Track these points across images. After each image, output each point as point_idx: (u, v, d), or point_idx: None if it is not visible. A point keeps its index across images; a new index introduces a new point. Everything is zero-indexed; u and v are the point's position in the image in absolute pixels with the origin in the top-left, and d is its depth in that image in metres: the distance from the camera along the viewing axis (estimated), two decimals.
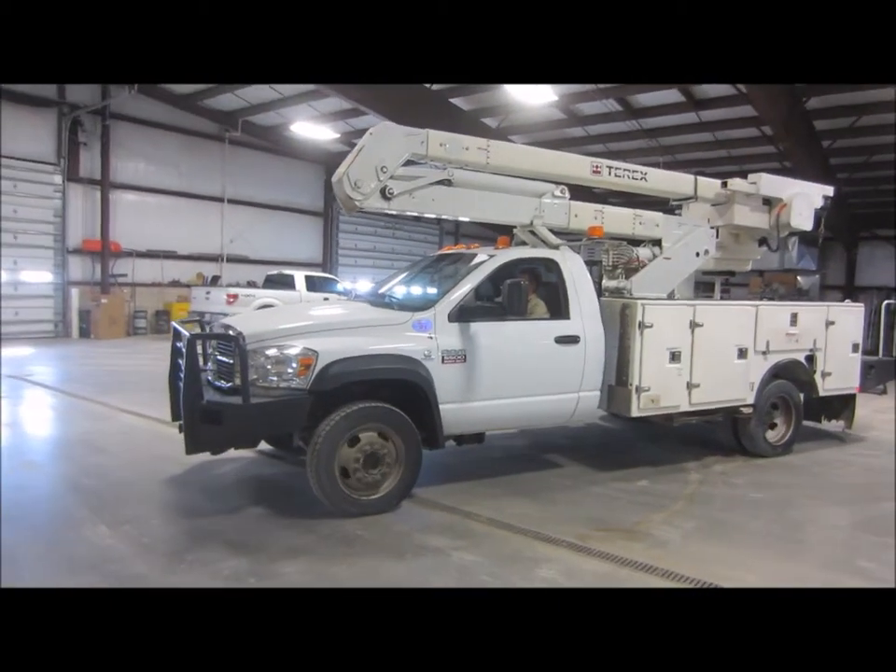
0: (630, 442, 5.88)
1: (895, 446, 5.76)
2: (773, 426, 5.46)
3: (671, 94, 11.85)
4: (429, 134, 4.15)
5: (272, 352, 3.58)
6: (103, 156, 14.05)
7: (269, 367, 3.56)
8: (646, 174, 5.14)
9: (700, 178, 5.50)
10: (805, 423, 5.72)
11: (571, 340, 4.35)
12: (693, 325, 4.77)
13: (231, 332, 3.75)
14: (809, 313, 5.51)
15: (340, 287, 14.18)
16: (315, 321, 4.12)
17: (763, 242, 6.07)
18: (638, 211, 5.21)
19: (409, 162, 4.15)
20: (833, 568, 3.27)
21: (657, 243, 5.27)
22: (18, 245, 13.07)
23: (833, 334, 5.60)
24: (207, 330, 4.54)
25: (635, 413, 4.53)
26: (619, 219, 5.09)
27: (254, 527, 3.50)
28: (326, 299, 12.39)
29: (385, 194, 4.04)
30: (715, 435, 5.60)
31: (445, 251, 5.69)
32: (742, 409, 5.14)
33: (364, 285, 16.87)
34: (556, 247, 4.66)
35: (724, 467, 5.05)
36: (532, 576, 3.01)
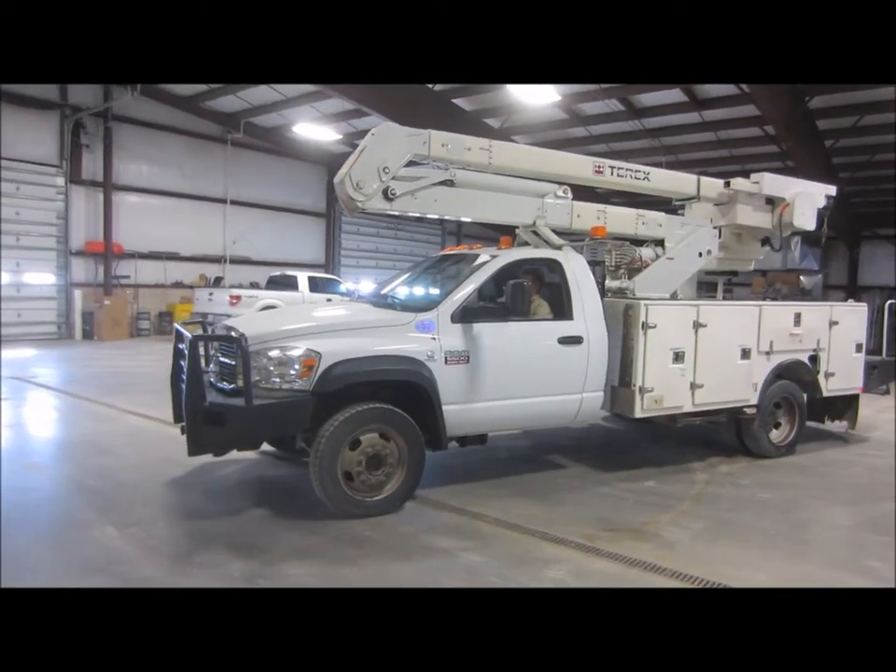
0: (633, 443, 5.87)
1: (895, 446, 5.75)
2: (776, 426, 5.44)
3: (674, 94, 11.84)
4: (431, 135, 4.14)
5: (274, 353, 3.58)
6: (105, 158, 14.08)
7: (271, 368, 3.56)
8: (648, 173, 5.12)
9: (703, 178, 5.49)
10: (809, 423, 5.70)
11: (574, 340, 4.34)
12: (697, 325, 4.75)
13: (233, 334, 3.75)
14: (812, 313, 5.49)
15: (342, 287, 14.19)
16: (317, 322, 4.11)
17: (765, 241, 6.06)
18: (641, 211, 5.20)
19: (411, 163, 4.14)
20: (839, 568, 3.26)
21: (660, 243, 5.26)
22: (20, 247, 13.10)
23: (836, 334, 5.58)
24: (210, 332, 4.53)
25: (638, 413, 4.52)
26: (622, 219, 5.08)
27: (260, 529, 3.50)
28: (329, 300, 12.40)
29: (387, 195, 4.03)
30: (718, 435, 5.59)
31: (448, 252, 5.69)
32: (745, 409, 5.12)
33: (366, 285, 16.87)
34: (559, 248, 4.65)
35: (730, 467, 5.04)
36: (541, 576, 3.01)
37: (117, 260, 14.47)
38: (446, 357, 3.90)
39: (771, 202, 5.74)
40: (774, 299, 10.49)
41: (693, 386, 4.75)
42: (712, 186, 5.51)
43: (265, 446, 4.38)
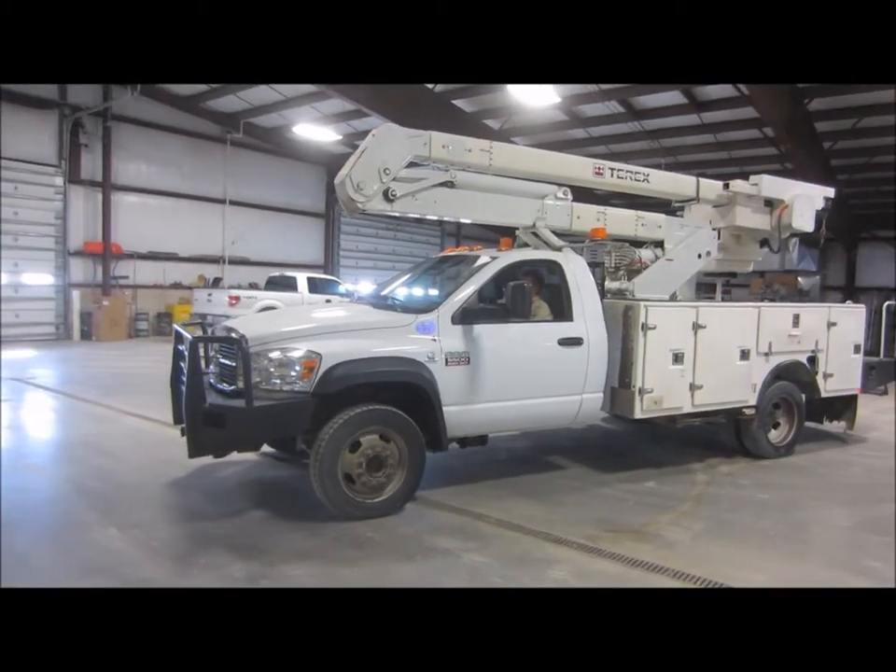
0: (633, 444, 5.88)
1: (895, 447, 5.76)
2: (775, 426, 5.46)
3: (673, 96, 11.87)
4: (432, 136, 4.15)
5: (275, 354, 3.58)
6: (104, 158, 14.07)
7: (272, 369, 3.56)
8: (648, 175, 5.14)
9: (702, 180, 5.50)
10: (807, 424, 5.72)
11: (574, 342, 4.35)
12: (696, 326, 4.76)
13: (233, 335, 3.75)
14: (811, 314, 5.51)
15: (341, 288, 14.18)
16: (318, 323, 4.12)
17: (764, 243, 6.07)
18: (641, 213, 5.21)
19: (411, 164, 4.15)
20: (838, 568, 3.28)
21: (659, 244, 5.27)
22: (19, 247, 13.08)
23: (834, 335, 5.60)
24: (209, 333, 4.53)
25: (638, 414, 4.53)
26: (621, 221, 5.09)
27: (260, 531, 3.50)
28: (328, 300, 12.40)
29: (387, 196, 4.04)
30: (717, 436, 5.60)
31: (448, 253, 5.69)
32: (745, 410, 5.14)
33: (365, 286, 16.88)
34: (559, 249, 4.66)
35: (730, 468, 5.05)
36: (544, 577, 3.02)
37: (115, 261, 14.45)
38: (447, 359, 3.90)
39: (770, 203, 5.76)
40: (772, 300, 10.53)
41: (693, 387, 4.76)
42: (711, 188, 5.53)
43: (265, 448, 4.38)
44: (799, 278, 16.19)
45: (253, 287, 14.96)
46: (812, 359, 5.50)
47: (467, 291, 4.12)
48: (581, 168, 4.86)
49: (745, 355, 5.06)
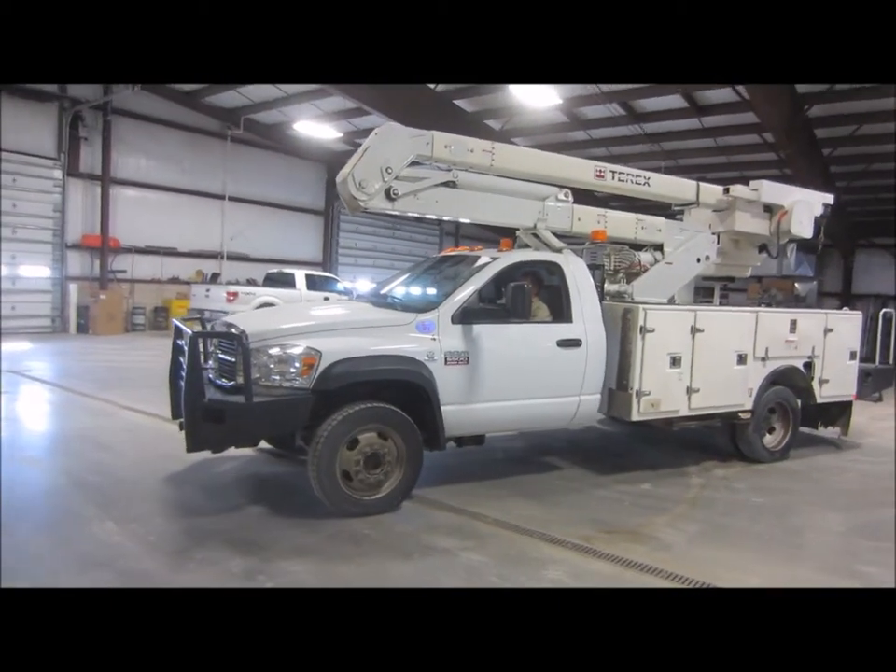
0: (629, 446, 5.91)
1: (895, 453, 5.78)
2: (770, 431, 5.49)
3: (674, 100, 11.89)
4: (434, 136, 4.16)
5: (275, 351, 3.58)
6: (104, 151, 14.01)
7: (272, 366, 3.57)
8: (649, 179, 5.16)
9: (702, 184, 5.53)
10: (802, 429, 5.75)
11: (573, 343, 4.37)
12: (694, 330, 4.79)
13: (233, 331, 3.76)
14: (808, 320, 5.55)
15: (340, 286, 14.18)
16: (318, 321, 4.13)
17: (762, 248, 6.10)
18: (641, 216, 5.23)
19: (413, 163, 4.16)
20: (832, 572, 3.30)
21: (659, 248, 5.29)
22: (17, 239, 13.03)
23: (831, 342, 5.63)
24: (209, 328, 4.53)
25: (635, 416, 4.55)
26: (621, 224, 5.11)
27: (258, 526, 3.51)
28: (326, 298, 12.40)
29: (389, 195, 4.05)
30: (713, 440, 5.63)
31: (448, 252, 5.71)
32: (741, 414, 5.17)
33: (363, 284, 16.88)
34: (559, 251, 4.68)
35: (725, 471, 5.08)
36: (540, 576, 3.04)
37: (113, 255, 14.40)
38: (446, 358, 3.91)
39: (769, 209, 5.78)
40: (769, 305, 10.57)
41: (690, 391, 4.79)
42: (711, 192, 5.55)
43: (262, 443, 4.39)
44: (796, 284, 16.29)
45: (251, 283, 14.94)
46: (808, 365, 5.53)
47: (467, 291, 4.13)
48: (582, 170, 4.88)
49: (742, 359, 5.09)
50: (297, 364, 3.55)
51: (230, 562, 3.03)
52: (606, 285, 5.04)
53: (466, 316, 4.03)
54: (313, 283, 13.58)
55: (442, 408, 3.87)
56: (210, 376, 3.99)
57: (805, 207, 5.74)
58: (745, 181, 5.80)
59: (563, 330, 4.38)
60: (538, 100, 11.41)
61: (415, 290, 5.02)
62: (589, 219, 4.91)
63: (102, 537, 3.28)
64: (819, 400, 5.65)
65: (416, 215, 4.44)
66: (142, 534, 3.34)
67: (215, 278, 15.51)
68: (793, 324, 5.40)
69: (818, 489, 4.84)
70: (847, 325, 5.86)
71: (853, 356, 5.87)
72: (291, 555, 3.14)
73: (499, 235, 5.48)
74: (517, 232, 5.09)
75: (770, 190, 5.66)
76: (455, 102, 12.70)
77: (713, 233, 5.54)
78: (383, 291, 5.02)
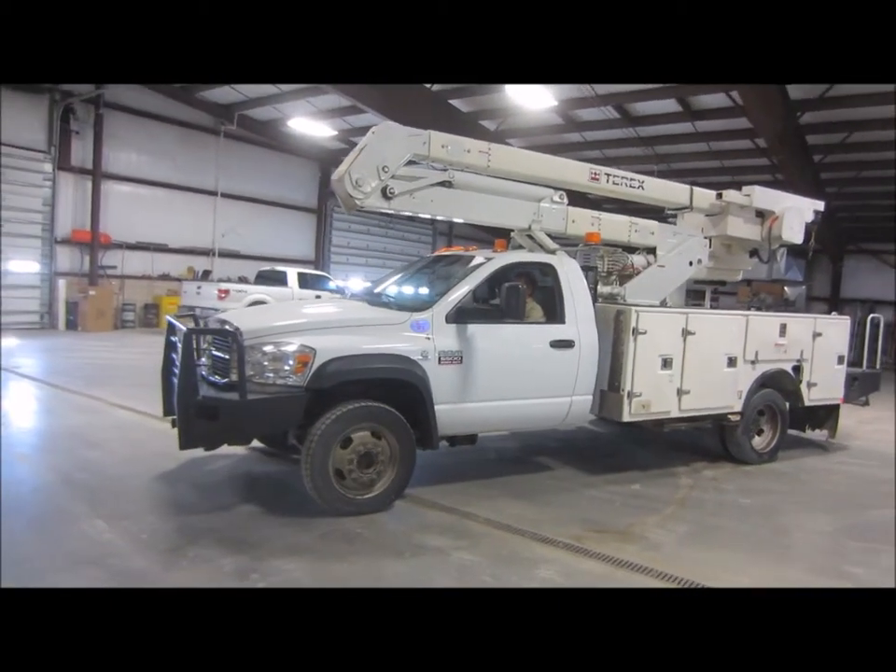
0: (619, 446, 5.95)
1: None
2: (759, 433, 5.55)
3: (669, 104, 11.99)
4: (431, 136, 4.17)
5: (269, 348, 3.58)
6: (95, 145, 13.89)
7: (266, 363, 3.56)
8: (643, 182, 5.20)
9: (696, 189, 5.58)
10: (790, 431, 5.81)
11: (566, 344, 4.39)
12: (686, 332, 4.83)
13: (227, 328, 3.74)
14: (797, 324, 5.61)
15: (332, 284, 14.14)
16: (312, 318, 4.12)
17: (753, 253, 6.17)
18: (634, 219, 5.27)
19: (409, 163, 4.16)
20: (819, 573, 3.34)
21: (651, 251, 5.34)
22: (5, 233, 12.87)
23: (819, 346, 5.70)
24: (201, 325, 4.51)
25: (626, 418, 4.58)
26: (615, 226, 5.15)
27: (250, 525, 3.50)
28: (318, 296, 12.36)
29: (385, 194, 4.05)
30: (702, 441, 5.68)
31: (443, 252, 5.72)
32: (730, 416, 5.22)
33: (356, 283, 16.84)
34: (553, 252, 4.70)
35: (714, 472, 5.13)
36: (531, 576, 3.05)
37: (103, 250, 14.28)
38: (440, 357, 3.92)
39: (761, 214, 5.85)
40: (759, 308, 10.66)
41: (681, 392, 4.83)
42: (705, 197, 5.61)
43: (254, 442, 4.37)
44: (785, 288, 16.42)
45: (242, 280, 14.87)
46: (797, 368, 5.60)
47: (461, 291, 4.14)
48: (577, 172, 4.91)
49: (732, 362, 5.14)
50: (291, 362, 3.55)
51: (222, 560, 3.03)
52: (599, 286, 5.08)
53: (460, 316, 4.04)
54: (305, 281, 13.54)
55: (436, 407, 3.88)
56: (203, 373, 3.97)
57: (796, 214, 5.81)
58: (737, 186, 5.86)
59: (556, 331, 4.40)
60: (533, 101, 11.46)
61: (410, 289, 5.02)
62: (583, 221, 4.94)
63: (92, 535, 3.26)
64: (807, 403, 5.72)
65: (410, 214, 4.45)
66: (134, 532, 3.32)
67: (206, 275, 15.41)
68: (783, 328, 5.47)
69: (805, 490, 4.90)
70: (836, 329, 5.94)
71: (841, 360, 5.95)
72: (284, 554, 3.14)
73: (493, 236, 5.50)
74: (511, 233, 5.12)
75: (762, 196, 5.73)
76: (450, 101, 12.72)
77: (705, 237, 5.59)
78: (377, 290, 5.02)
